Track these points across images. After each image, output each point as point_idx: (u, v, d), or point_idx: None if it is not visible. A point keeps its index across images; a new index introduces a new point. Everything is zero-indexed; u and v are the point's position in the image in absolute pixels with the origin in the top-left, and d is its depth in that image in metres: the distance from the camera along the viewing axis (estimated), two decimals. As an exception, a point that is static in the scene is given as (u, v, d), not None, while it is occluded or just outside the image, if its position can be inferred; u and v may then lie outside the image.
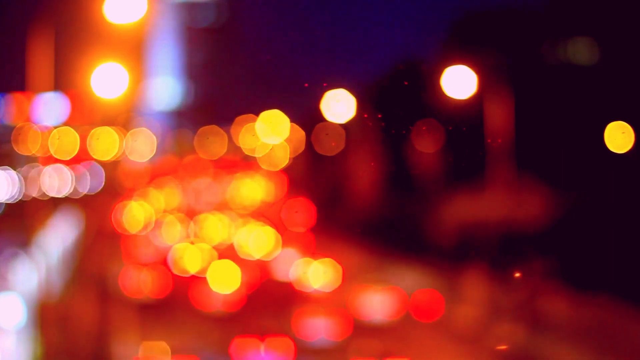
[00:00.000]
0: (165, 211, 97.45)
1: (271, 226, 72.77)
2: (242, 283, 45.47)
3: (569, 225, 39.49)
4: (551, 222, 41.20)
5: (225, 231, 75.49)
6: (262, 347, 31.13)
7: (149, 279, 48.02)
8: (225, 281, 45.67)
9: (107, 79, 53.06)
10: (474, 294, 49.83)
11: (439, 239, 52.04)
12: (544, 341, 40.07)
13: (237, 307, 42.81)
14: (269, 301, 42.68)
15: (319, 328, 36.40)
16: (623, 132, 65.81)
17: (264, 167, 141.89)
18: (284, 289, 45.36)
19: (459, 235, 49.18)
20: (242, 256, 56.22)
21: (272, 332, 31.64)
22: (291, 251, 55.70)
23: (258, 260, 56.46)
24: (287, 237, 64.62)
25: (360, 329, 37.82)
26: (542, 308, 41.29)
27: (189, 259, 53.77)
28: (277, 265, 53.84)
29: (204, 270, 49.32)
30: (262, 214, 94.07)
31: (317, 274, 48.62)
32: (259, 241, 62.63)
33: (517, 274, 44.32)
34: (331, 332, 36.58)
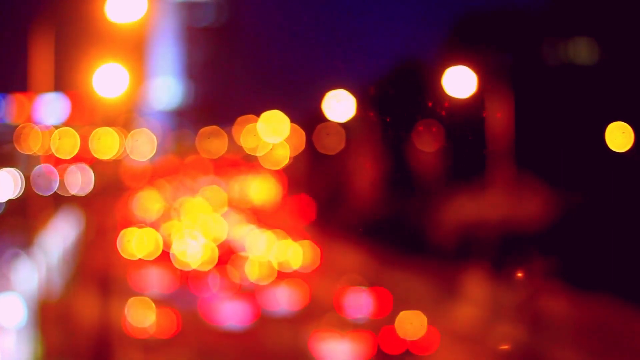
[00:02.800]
0: (166, 207, 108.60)
1: (261, 222, 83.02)
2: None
3: (569, 225, 39.55)
4: (551, 222, 41.27)
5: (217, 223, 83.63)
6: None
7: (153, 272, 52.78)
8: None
9: (107, 79, 53.15)
10: (474, 294, 49.91)
11: (439, 239, 52.13)
12: (545, 341, 40.15)
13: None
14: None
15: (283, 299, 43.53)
16: (623, 132, 65.90)
17: (264, 166, 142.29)
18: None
19: (459, 235, 49.28)
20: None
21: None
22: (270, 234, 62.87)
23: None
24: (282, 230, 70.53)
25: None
26: (543, 308, 41.37)
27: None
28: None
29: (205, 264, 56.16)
30: (257, 211, 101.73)
31: (296, 255, 56.26)
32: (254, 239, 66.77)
33: (518, 274, 44.42)
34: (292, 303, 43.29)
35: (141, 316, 38.31)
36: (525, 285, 43.18)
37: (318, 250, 58.62)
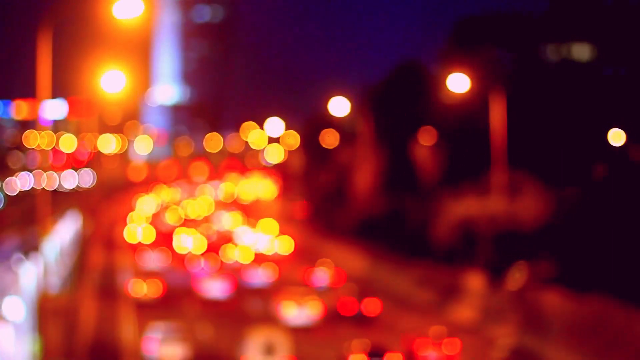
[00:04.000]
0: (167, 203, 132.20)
1: (250, 217, 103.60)
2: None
3: (568, 224, 39.62)
4: (550, 221, 41.35)
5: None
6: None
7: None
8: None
9: (110, 83, 53.29)
10: (472, 292, 50.09)
11: (438, 238, 52.26)
12: (543, 339, 40.28)
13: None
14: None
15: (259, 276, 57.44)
16: (621, 132, 66.09)
17: (260, 167, 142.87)
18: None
19: (458, 234, 49.41)
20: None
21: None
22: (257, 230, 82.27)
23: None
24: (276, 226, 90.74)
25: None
26: (541, 307, 41.51)
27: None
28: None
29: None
30: (248, 208, 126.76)
31: (276, 244, 74.12)
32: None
33: (516, 273, 44.56)
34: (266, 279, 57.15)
35: (138, 283, 51.50)
36: (523, 284, 43.37)
37: (293, 241, 76.11)
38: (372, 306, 45.79)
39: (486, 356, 38.29)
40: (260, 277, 57.28)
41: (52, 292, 39.71)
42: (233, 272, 57.15)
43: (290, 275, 60.75)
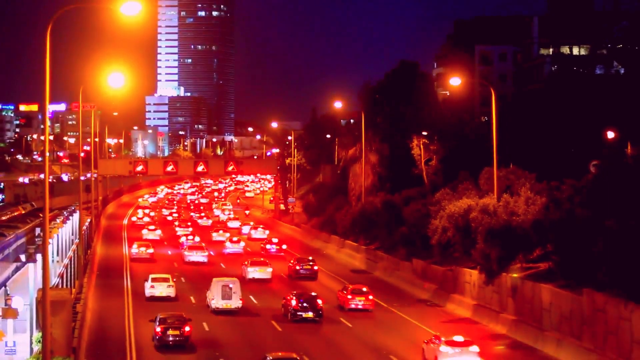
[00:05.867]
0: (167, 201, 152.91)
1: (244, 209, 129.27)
2: None
3: (567, 222, 39.92)
4: (546, 216, 41.67)
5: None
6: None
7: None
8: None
9: (111, 86, 53.33)
10: (468, 289, 50.39)
11: (436, 236, 52.57)
12: (539, 332, 40.60)
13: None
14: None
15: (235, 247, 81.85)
16: (617, 134, 66.59)
17: (259, 168, 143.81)
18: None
19: (457, 232, 49.70)
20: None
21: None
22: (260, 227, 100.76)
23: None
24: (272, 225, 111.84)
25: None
26: (536, 300, 41.83)
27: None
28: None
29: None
30: (244, 204, 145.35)
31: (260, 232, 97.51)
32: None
33: (514, 270, 44.88)
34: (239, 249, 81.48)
35: (136, 248, 75.94)
36: (520, 281, 43.70)
37: (268, 230, 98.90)
38: (315, 270, 64.55)
39: (483, 348, 38.71)
40: (235, 248, 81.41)
41: (56, 287, 40.18)
42: (216, 245, 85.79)
43: (257, 248, 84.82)
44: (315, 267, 64.35)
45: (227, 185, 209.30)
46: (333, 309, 50.13)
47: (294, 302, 47.93)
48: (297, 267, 63.89)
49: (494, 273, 44.41)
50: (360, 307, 50.86)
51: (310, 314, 47.39)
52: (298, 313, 47.58)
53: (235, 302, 49.97)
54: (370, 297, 51.17)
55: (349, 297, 51.19)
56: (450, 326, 44.44)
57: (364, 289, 51.71)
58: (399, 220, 64.47)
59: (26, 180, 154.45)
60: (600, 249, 35.45)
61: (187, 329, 40.74)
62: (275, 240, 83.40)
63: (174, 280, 56.18)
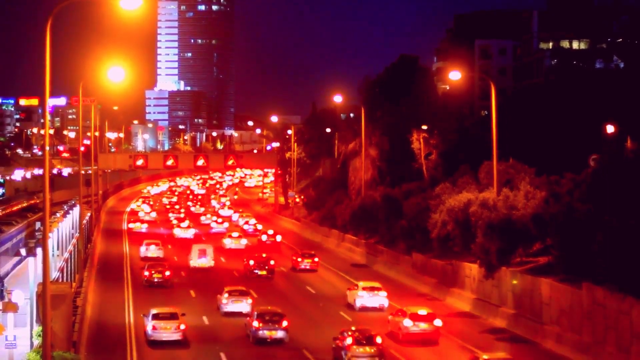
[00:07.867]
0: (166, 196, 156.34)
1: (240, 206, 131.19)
2: None
3: (567, 215, 39.96)
4: (549, 213, 41.68)
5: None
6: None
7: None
8: None
9: (111, 81, 53.19)
10: (468, 283, 50.50)
11: (436, 230, 52.56)
12: (538, 326, 40.67)
13: None
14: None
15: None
16: (617, 128, 66.57)
17: (257, 164, 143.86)
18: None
19: (456, 226, 49.69)
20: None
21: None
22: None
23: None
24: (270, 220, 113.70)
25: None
26: (538, 296, 41.88)
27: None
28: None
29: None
30: (241, 201, 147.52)
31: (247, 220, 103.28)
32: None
33: (513, 267, 44.90)
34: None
35: (132, 224, 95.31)
36: (519, 277, 43.75)
37: (255, 219, 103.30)
38: (277, 242, 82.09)
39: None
40: (219, 228, 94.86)
41: (56, 282, 40.22)
42: (205, 227, 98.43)
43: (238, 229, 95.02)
44: (316, 259, 66.25)
45: (232, 178, 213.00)
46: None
47: (252, 262, 61.38)
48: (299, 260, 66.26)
49: (493, 267, 44.44)
50: (308, 267, 64.41)
51: (264, 272, 60.77)
52: (254, 271, 60.98)
53: (209, 262, 65.09)
54: (316, 259, 65.09)
55: (299, 259, 65.01)
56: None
57: (312, 253, 66.77)
58: (399, 214, 64.47)
59: (18, 178, 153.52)
60: (600, 243, 35.46)
61: (167, 273, 56.69)
62: (252, 221, 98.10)
63: (163, 246, 71.99)
